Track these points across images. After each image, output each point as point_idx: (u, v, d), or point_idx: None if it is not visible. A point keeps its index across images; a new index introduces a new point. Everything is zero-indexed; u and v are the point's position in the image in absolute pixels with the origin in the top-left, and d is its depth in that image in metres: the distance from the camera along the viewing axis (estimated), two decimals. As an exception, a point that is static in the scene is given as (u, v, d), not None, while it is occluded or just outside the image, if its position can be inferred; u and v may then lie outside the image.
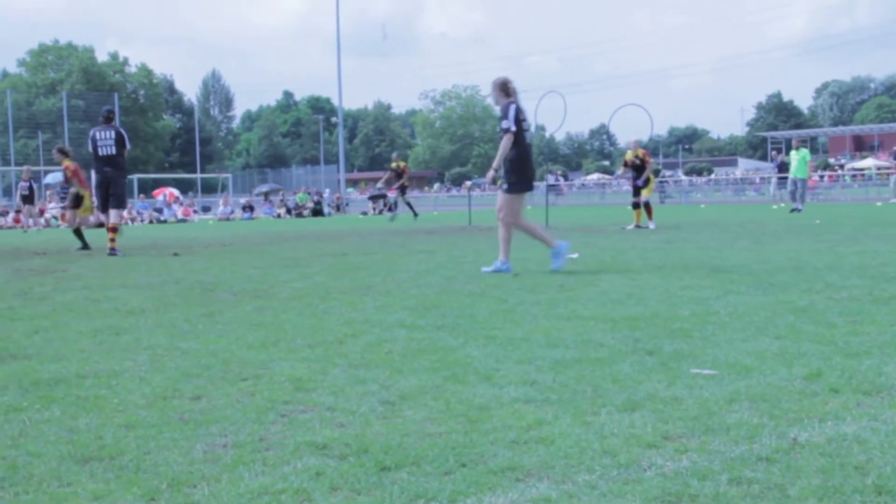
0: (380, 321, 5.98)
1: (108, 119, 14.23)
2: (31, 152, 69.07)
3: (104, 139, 13.89)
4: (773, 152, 53.33)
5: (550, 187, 51.66)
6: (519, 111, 9.13)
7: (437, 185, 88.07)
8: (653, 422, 3.32)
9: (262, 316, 6.42)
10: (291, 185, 62.03)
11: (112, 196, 14.07)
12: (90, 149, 14.03)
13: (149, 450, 3.10)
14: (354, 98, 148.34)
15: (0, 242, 19.94)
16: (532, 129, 9.29)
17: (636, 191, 18.84)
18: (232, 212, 42.07)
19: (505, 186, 9.23)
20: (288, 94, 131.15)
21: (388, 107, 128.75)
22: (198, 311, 6.75)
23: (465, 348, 4.91)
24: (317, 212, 42.42)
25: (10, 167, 57.31)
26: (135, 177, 55.92)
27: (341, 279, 8.94)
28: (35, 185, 28.27)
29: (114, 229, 13.87)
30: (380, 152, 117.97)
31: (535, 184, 13.34)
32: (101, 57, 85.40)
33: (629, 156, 18.94)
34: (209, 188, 67.97)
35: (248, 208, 42.38)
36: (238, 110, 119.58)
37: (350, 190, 70.10)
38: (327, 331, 5.64)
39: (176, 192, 50.41)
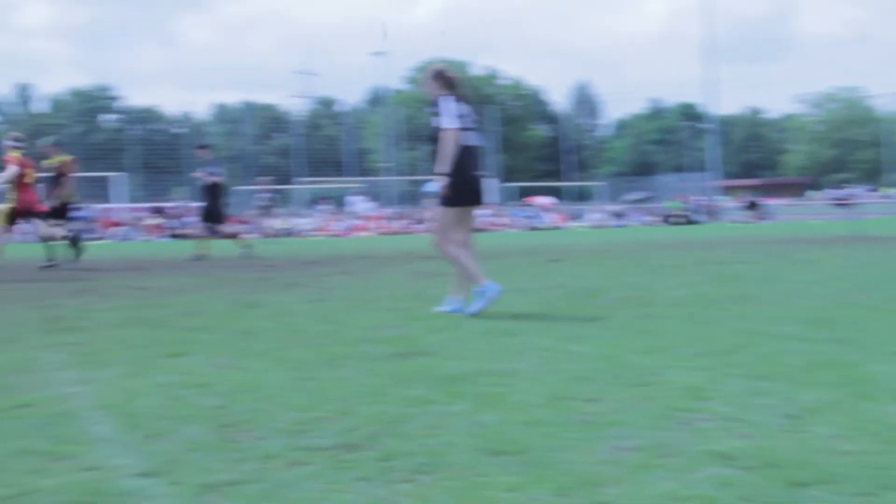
0: (770, 332, 5.76)
1: None
2: (418, 162, 73.75)
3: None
4: None
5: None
6: (456, 105, 7.23)
7: (811, 193, 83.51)
8: None
9: (647, 323, 6.41)
10: (661, 193, 61.59)
11: None
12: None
13: (553, 447, 3.19)
14: (725, 103, 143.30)
15: (398, 247, 21.42)
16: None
17: None
18: (603, 219, 42.49)
19: (441, 198, 7.37)
20: (656, 101, 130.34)
21: (760, 112, 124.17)
22: (583, 316, 6.87)
23: (867, 364, 4.61)
24: (688, 219, 41.83)
25: (404, 177, 61.35)
26: (509, 185, 58.14)
27: (723, 288, 8.74)
28: None
29: None
30: (751, 159, 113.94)
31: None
32: (476, 71, 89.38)
33: None
34: (580, 196, 69.07)
35: (619, 216, 42.59)
36: (606, 118, 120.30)
37: (722, 197, 68.37)
38: (715, 340, 5.53)
39: (550, 199, 51.64)
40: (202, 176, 17.42)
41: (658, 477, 2.84)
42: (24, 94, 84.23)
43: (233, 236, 18.53)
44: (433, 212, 7.51)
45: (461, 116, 7.25)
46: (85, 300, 8.98)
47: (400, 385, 4.32)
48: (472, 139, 7.37)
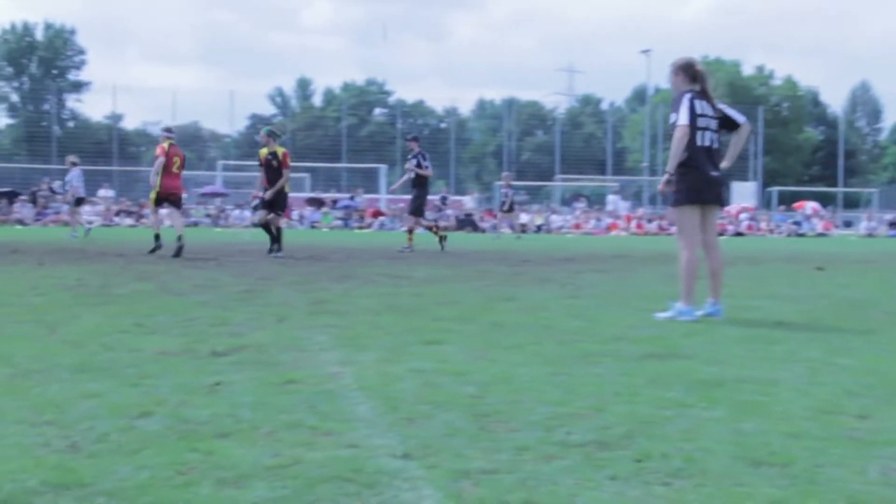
0: None
1: None
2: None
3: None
4: None
5: None
6: (695, 102, 7.00)
7: None
8: None
9: (924, 339, 5.97)
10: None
11: None
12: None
13: (818, 463, 3.02)
14: None
15: (652, 248, 21.02)
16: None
17: None
18: (876, 228, 40.05)
19: (672, 198, 7.19)
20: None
21: None
22: (850, 328, 6.50)
23: None
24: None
25: (662, 177, 60.12)
26: (774, 189, 55.87)
27: None
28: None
29: None
30: None
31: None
32: (748, 70, 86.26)
33: None
34: (852, 203, 65.39)
35: (894, 225, 40.02)
36: (887, 122, 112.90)
37: None
38: None
39: (817, 205, 49.19)
40: (411, 168, 17.49)
41: (937, 505, 2.63)
42: (303, 88, 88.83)
43: (430, 228, 18.81)
44: (671, 213, 7.36)
45: (699, 114, 7.02)
46: (347, 286, 9.38)
47: (655, 386, 4.23)
48: (708, 138, 7.08)
